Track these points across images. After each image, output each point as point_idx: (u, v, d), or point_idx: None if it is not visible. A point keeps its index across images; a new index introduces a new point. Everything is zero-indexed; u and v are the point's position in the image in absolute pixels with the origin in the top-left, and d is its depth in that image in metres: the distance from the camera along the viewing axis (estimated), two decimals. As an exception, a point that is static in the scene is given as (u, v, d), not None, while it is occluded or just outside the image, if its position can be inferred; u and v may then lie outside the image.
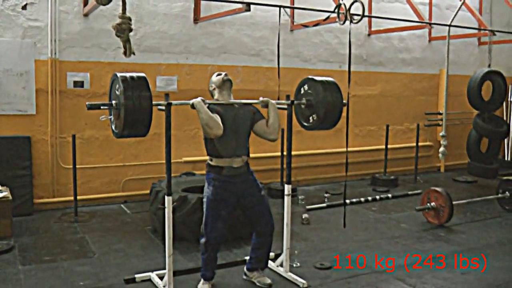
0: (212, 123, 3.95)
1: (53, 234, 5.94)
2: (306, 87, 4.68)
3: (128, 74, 3.70)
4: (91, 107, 3.79)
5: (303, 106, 4.67)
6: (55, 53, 6.83)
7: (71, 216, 6.61)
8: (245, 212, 4.38)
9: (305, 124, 4.75)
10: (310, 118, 4.67)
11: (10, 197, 5.87)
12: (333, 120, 4.59)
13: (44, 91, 6.82)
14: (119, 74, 3.70)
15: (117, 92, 3.73)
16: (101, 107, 3.89)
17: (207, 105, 4.04)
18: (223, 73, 4.32)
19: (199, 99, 4.00)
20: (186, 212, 5.55)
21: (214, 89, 4.32)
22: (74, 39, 6.97)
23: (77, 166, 6.69)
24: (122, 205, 7.30)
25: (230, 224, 4.43)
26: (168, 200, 4.11)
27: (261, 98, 4.39)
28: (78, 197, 6.79)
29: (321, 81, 4.57)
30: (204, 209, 4.23)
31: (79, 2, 6.94)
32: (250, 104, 4.39)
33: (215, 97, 4.32)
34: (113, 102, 3.77)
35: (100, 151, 7.28)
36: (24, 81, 6.72)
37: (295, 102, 4.68)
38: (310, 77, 4.67)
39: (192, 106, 4.01)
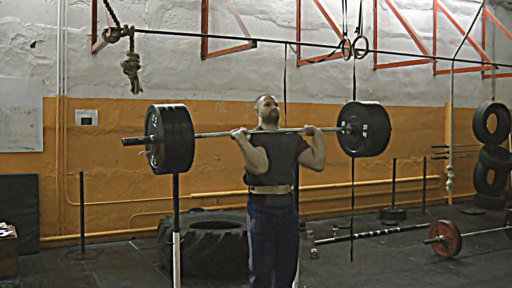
0: (257, 161, 3.69)
1: (59, 272, 5.90)
2: (349, 112, 4.39)
3: (166, 105, 3.41)
4: (128, 143, 3.45)
5: (348, 132, 4.35)
6: (63, 91, 6.92)
7: (78, 254, 6.58)
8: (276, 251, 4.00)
9: (352, 151, 4.39)
10: (356, 144, 4.33)
11: (16, 236, 5.84)
12: (381, 145, 4.27)
13: (52, 128, 6.88)
14: (156, 106, 3.41)
15: (154, 125, 3.45)
16: (138, 143, 3.52)
17: (248, 136, 3.78)
18: (273, 104, 4.00)
19: (240, 131, 3.71)
20: (194, 248, 5.53)
21: (259, 115, 4.04)
22: (82, 77, 7.07)
23: (84, 203, 6.69)
24: (130, 242, 7.27)
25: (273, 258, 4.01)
26: (175, 236, 4.10)
27: (305, 126, 4.07)
28: (86, 234, 6.77)
29: (367, 105, 4.28)
30: (250, 244, 3.92)
31: (88, 40, 7.07)
32: (295, 132, 4.12)
33: (259, 123, 4.05)
34: (151, 136, 3.46)
35: (108, 187, 7.30)
36: (32, 119, 6.79)
37: (341, 127, 4.39)
38: (354, 101, 4.43)
39: (233, 138, 3.73)
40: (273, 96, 4.05)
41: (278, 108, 4.00)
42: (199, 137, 3.55)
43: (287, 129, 4.06)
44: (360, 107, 4.28)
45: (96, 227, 7.21)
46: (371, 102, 4.33)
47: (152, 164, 3.58)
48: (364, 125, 4.21)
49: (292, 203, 4.02)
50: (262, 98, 4.05)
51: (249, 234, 3.94)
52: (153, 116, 3.46)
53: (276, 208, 3.88)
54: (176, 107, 3.41)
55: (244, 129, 3.74)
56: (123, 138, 3.44)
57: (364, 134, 4.21)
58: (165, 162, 3.33)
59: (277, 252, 3.95)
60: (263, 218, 3.86)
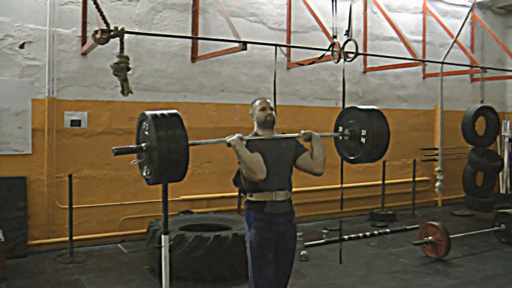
0: (255, 168, 3.57)
1: (47, 277, 5.85)
2: (347, 117, 4.23)
3: (158, 112, 3.26)
4: (119, 152, 3.27)
5: (346, 137, 4.19)
6: (53, 92, 6.88)
7: (66, 257, 6.52)
8: (273, 256, 3.85)
9: (350, 157, 4.22)
10: (355, 150, 4.17)
11: (3, 239, 5.80)
12: (380, 150, 4.12)
13: (41, 130, 6.84)
14: (148, 113, 3.26)
15: (146, 133, 3.29)
16: (130, 152, 3.34)
17: (245, 142, 3.63)
18: (268, 109, 3.89)
19: (236, 137, 3.57)
20: (184, 251, 5.51)
21: (255, 120, 3.93)
22: (72, 78, 7.03)
23: (73, 206, 6.65)
24: (119, 245, 7.23)
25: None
26: (165, 239, 4.08)
27: (302, 131, 3.92)
28: (74, 237, 6.71)
29: (365, 110, 4.12)
30: (249, 255, 3.77)
31: (78, 41, 7.04)
32: (291, 137, 3.97)
33: (255, 128, 3.94)
34: (143, 144, 3.29)
35: (97, 190, 7.26)
36: (21, 121, 6.74)
37: (339, 133, 4.23)
38: (351, 106, 4.25)
39: (229, 145, 3.58)
40: (268, 100, 3.96)
41: (274, 112, 3.91)
42: (193, 144, 3.41)
43: (283, 135, 3.94)
44: (358, 112, 4.12)
45: (85, 230, 7.16)
46: (370, 107, 4.20)
47: (145, 174, 3.37)
48: (362, 130, 4.06)
49: (292, 209, 3.90)
50: (257, 102, 3.95)
51: (248, 245, 3.79)
52: (145, 123, 3.31)
53: (276, 216, 3.75)
54: (169, 114, 3.26)
55: (240, 135, 3.60)
56: (114, 148, 3.28)
57: (363, 139, 4.07)
58: (159, 171, 3.17)
59: (275, 260, 3.82)
60: (263, 227, 3.72)
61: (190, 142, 3.23)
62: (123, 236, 7.41)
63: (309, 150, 3.90)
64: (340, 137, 4.25)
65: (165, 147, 3.11)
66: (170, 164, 3.15)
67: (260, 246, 3.72)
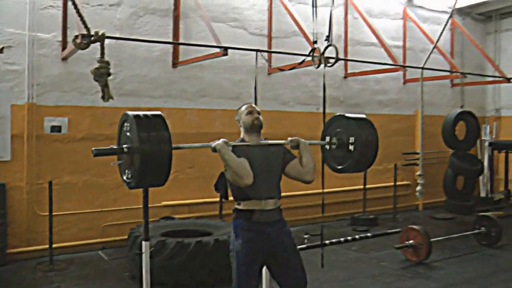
0: (241, 172, 3.44)
1: (27, 285, 5.77)
2: (334, 126, 4.12)
3: (141, 113, 3.16)
4: (99, 153, 3.16)
5: (333, 146, 4.06)
6: (33, 98, 6.82)
7: (46, 265, 6.43)
8: (274, 270, 3.70)
9: (338, 167, 4.09)
10: (342, 159, 4.04)
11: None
12: (369, 159, 4.00)
13: (20, 136, 6.76)
14: (130, 113, 3.15)
15: (128, 134, 3.17)
16: (111, 153, 3.24)
17: (230, 147, 3.50)
18: (255, 113, 3.77)
19: (221, 141, 3.45)
20: (165, 257, 5.48)
21: (241, 126, 3.80)
22: (52, 83, 6.97)
23: (54, 213, 6.57)
24: (99, 252, 7.16)
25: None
26: (145, 245, 4.05)
27: (289, 138, 3.81)
28: (55, 245, 6.62)
29: (353, 118, 4.04)
30: (234, 267, 3.58)
31: (58, 46, 6.98)
32: (279, 144, 3.85)
33: (242, 135, 3.81)
34: (124, 146, 3.18)
35: (78, 197, 7.19)
36: (0, 127, 6.66)
37: (327, 141, 4.10)
38: (339, 114, 4.12)
39: (214, 149, 3.47)
40: (254, 105, 3.86)
41: (261, 116, 3.79)
42: (177, 148, 3.26)
43: (270, 141, 3.80)
44: (346, 120, 4.03)
45: (65, 237, 7.08)
46: (358, 115, 4.10)
47: (125, 178, 3.26)
48: (350, 138, 3.94)
49: (282, 218, 3.75)
50: (244, 107, 3.82)
51: (233, 254, 3.60)
52: (127, 124, 3.20)
53: (266, 225, 3.60)
54: (152, 115, 3.17)
55: (225, 139, 3.47)
56: (93, 148, 3.16)
57: (351, 147, 3.94)
58: (140, 175, 3.04)
59: (278, 274, 3.67)
60: (252, 238, 3.56)
61: (173, 145, 3.13)
62: (104, 243, 7.34)
63: (298, 158, 3.79)
64: (328, 146, 4.13)
65: (148, 149, 3.00)
66: (152, 167, 3.03)
67: (246, 258, 3.54)
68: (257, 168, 3.56)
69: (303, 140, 3.80)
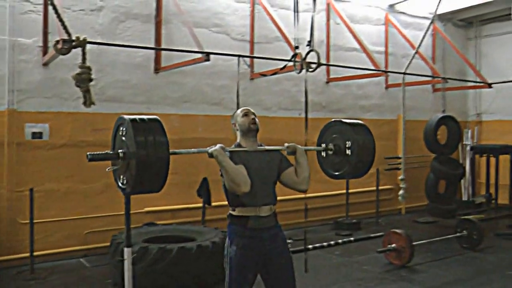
0: (239, 180, 3.37)
1: (7, 294, 5.70)
2: (330, 132, 4.09)
3: (138, 116, 3.07)
4: (93, 159, 3.05)
5: (330, 152, 4.03)
6: (13, 104, 6.74)
7: (27, 274, 6.34)
8: (266, 277, 3.63)
9: (335, 173, 4.07)
10: (340, 165, 4.02)
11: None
12: (366, 164, 3.99)
13: (0, 143, 6.68)
14: (126, 117, 3.07)
15: (123, 138, 3.08)
16: (106, 159, 3.14)
17: (227, 153, 3.45)
18: (251, 115, 3.70)
19: (218, 147, 3.38)
20: (147, 263, 5.44)
21: (237, 129, 3.73)
22: (33, 89, 6.90)
23: (35, 221, 6.47)
24: (82, 259, 7.08)
25: None
26: (127, 251, 4.02)
27: (286, 144, 3.76)
28: (36, 253, 6.53)
29: (350, 124, 4.01)
30: (227, 273, 3.55)
31: (39, 51, 6.92)
32: (276, 150, 3.80)
33: (238, 139, 3.74)
34: (120, 151, 3.08)
35: (60, 204, 7.11)
36: (-20, 134, 6.59)
37: (323, 147, 4.06)
38: (335, 119, 4.11)
39: (211, 155, 3.39)
40: (249, 108, 3.80)
41: (257, 119, 3.70)
42: (174, 153, 3.19)
43: (267, 147, 3.72)
44: (342, 126, 4.00)
45: (47, 245, 6.99)
46: (355, 121, 4.09)
47: (120, 184, 3.18)
48: (347, 142, 3.91)
49: (278, 223, 3.70)
50: (239, 110, 3.76)
51: (226, 260, 3.57)
52: (122, 128, 3.11)
53: (261, 231, 3.54)
54: (149, 119, 3.08)
55: (222, 145, 3.41)
56: (88, 153, 3.06)
57: (348, 151, 3.90)
58: (137, 180, 2.96)
59: (270, 282, 3.63)
60: (247, 245, 3.51)
61: (171, 150, 3.06)
62: (86, 251, 7.27)
63: (294, 165, 3.73)
64: (324, 153, 4.10)
65: (144, 154, 2.91)
66: (149, 173, 2.95)
67: (240, 265, 3.50)
68: (253, 174, 3.51)
69: (300, 146, 3.76)
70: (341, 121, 4.04)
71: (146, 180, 2.98)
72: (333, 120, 4.12)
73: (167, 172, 3.00)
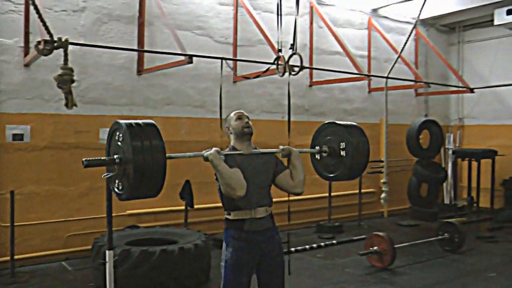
0: (234, 183, 3.37)
1: (-13, 297, 5.63)
2: (323, 134, 4.12)
3: (133, 121, 3.06)
4: (89, 165, 3.03)
5: (325, 154, 4.06)
6: (-6, 105, 6.68)
7: (7, 278, 6.25)
8: (258, 276, 3.67)
9: (330, 175, 4.09)
10: (334, 167, 4.05)
11: None
12: (360, 166, 4.03)
13: (-19, 145, 6.61)
14: (122, 122, 3.05)
15: (119, 143, 3.07)
16: (102, 164, 3.12)
17: (222, 156, 3.45)
18: (244, 118, 3.70)
19: (213, 151, 3.38)
20: (129, 266, 5.41)
21: (231, 133, 3.72)
22: (14, 90, 6.81)
23: (16, 224, 6.38)
24: (63, 263, 7.01)
25: None
26: (109, 254, 4.00)
27: (281, 147, 3.77)
28: (17, 256, 6.44)
29: (344, 125, 4.06)
30: (222, 275, 3.55)
31: (20, 51, 6.83)
32: (271, 152, 3.80)
33: (232, 142, 3.72)
34: (116, 156, 3.07)
35: (41, 206, 7.03)
36: (-40, 135, 6.50)
37: (317, 149, 4.09)
38: (329, 122, 4.15)
39: (206, 159, 3.38)
40: (242, 111, 3.80)
41: (250, 122, 3.71)
42: (171, 157, 3.19)
43: (262, 150, 3.73)
44: (336, 128, 4.05)
45: (28, 248, 6.90)
46: (348, 123, 4.13)
47: (116, 189, 3.16)
48: (341, 143, 3.95)
49: (274, 225, 3.72)
50: (232, 113, 3.76)
51: (222, 264, 3.57)
52: (118, 133, 3.09)
53: (257, 233, 3.56)
54: (145, 123, 3.08)
55: (217, 149, 3.41)
56: (84, 159, 3.03)
57: (343, 152, 3.94)
58: (133, 186, 2.94)
59: (262, 281, 3.65)
60: (242, 247, 3.52)
61: (167, 155, 3.07)
62: (68, 254, 7.20)
63: (289, 168, 3.75)
64: (318, 155, 4.12)
65: (141, 159, 2.91)
66: (146, 178, 2.94)
67: (235, 268, 3.51)
68: (249, 177, 3.51)
69: (295, 149, 3.77)
70: (335, 123, 4.07)
71: (144, 185, 2.97)
72: (326, 122, 4.15)
73: (164, 176, 3.00)
